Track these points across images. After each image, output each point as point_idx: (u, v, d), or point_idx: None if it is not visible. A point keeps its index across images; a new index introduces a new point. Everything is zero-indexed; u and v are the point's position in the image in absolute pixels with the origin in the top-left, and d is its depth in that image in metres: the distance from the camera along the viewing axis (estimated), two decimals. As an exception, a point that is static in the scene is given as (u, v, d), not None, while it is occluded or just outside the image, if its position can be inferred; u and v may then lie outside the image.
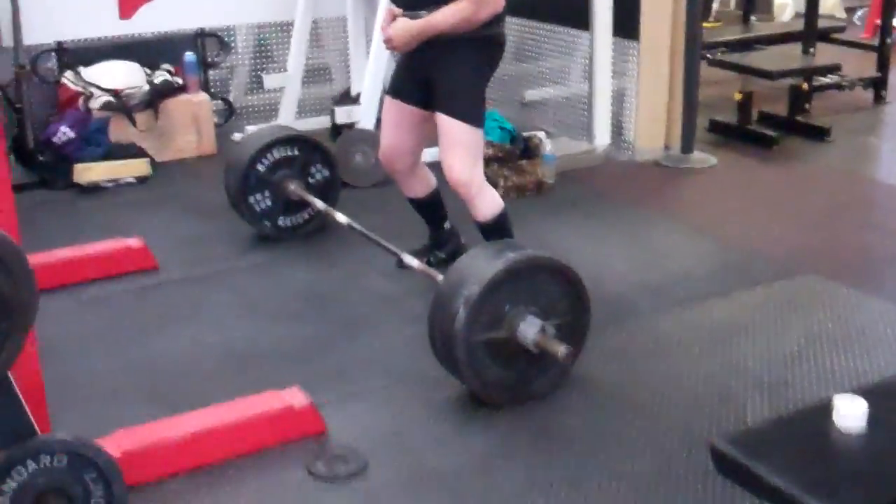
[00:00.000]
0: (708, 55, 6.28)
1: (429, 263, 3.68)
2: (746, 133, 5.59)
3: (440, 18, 3.27)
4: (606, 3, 5.12)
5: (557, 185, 4.86)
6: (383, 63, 4.94)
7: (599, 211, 4.63)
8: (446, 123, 3.37)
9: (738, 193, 4.87)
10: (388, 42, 3.42)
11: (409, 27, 3.33)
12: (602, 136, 5.31)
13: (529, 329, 2.85)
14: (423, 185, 3.78)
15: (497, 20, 3.37)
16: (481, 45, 3.37)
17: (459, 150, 3.38)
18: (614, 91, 5.29)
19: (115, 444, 2.53)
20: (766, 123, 5.74)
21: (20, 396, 1.47)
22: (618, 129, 5.34)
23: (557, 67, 5.69)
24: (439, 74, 3.38)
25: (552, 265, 2.97)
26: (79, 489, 1.56)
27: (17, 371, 2.30)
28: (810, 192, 4.85)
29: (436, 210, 3.88)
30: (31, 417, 1.49)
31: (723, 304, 3.64)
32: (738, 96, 5.59)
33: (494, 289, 2.84)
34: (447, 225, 3.93)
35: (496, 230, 3.50)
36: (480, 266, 2.90)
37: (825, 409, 2.09)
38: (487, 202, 3.49)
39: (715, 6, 8.99)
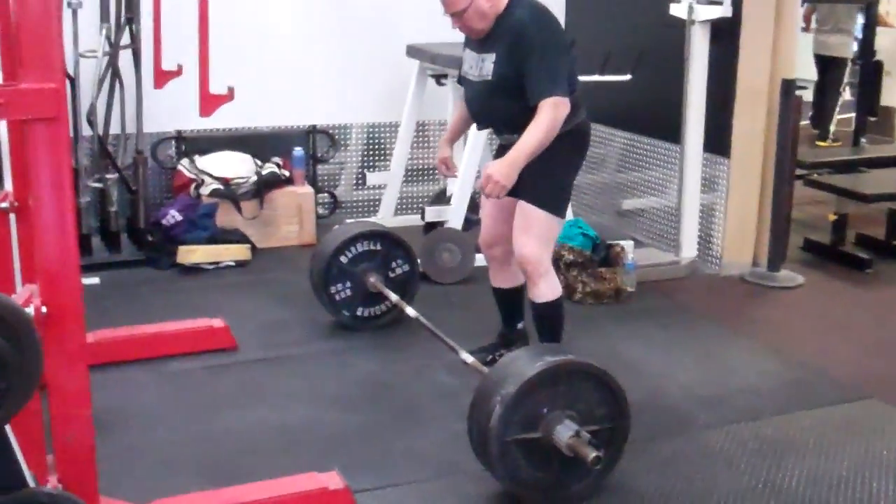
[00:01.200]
0: (816, 174, 6.30)
1: (492, 361, 3.79)
2: (840, 254, 5.56)
3: (529, 140, 3.36)
4: (698, 119, 5.23)
5: (637, 295, 4.93)
6: (474, 167, 5.14)
7: (674, 322, 4.67)
8: (525, 208, 3.54)
9: (821, 314, 4.84)
10: (492, 185, 3.37)
11: (505, 163, 3.38)
12: (688, 249, 5.37)
13: (564, 432, 2.92)
14: (513, 277, 3.90)
15: (575, 113, 3.49)
16: (566, 137, 3.47)
17: (534, 232, 3.55)
18: (705, 205, 5.37)
19: (154, 510, 2.73)
20: (863, 246, 5.70)
21: (15, 450, 1.64)
22: (706, 242, 5.39)
23: (653, 179, 5.79)
24: (528, 166, 3.44)
25: (592, 371, 3.03)
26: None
27: (68, 433, 2.53)
28: (896, 319, 4.80)
29: (515, 306, 3.99)
30: (25, 470, 1.66)
31: (778, 423, 3.62)
32: (831, 217, 5.58)
33: (531, 390, 2.93)
34: (520, 325, 4.04)
35: (548, 316, 3.65)
36: (520, 366, 3.00)
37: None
38: (548, 286, 3.63)
39: (832, 127, 8.98)
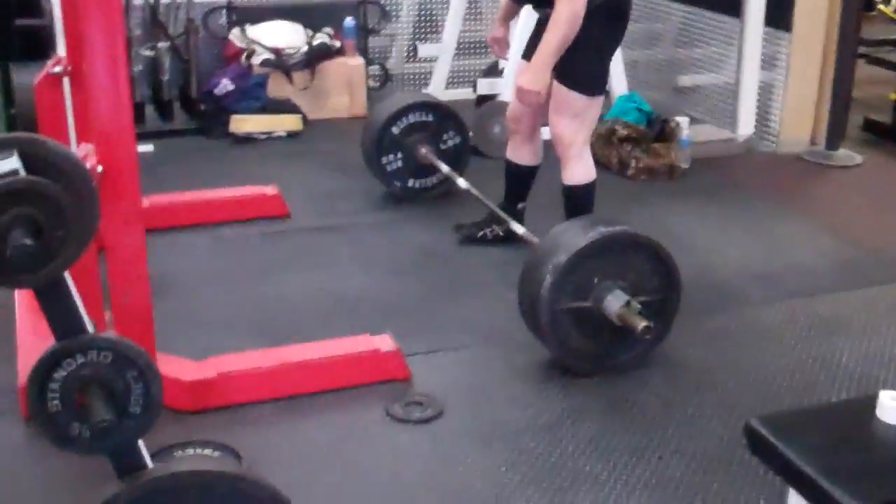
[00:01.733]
0: (879, 53, 6.11)
1: (484, 237, 3.92)
2: (900, 135, 5.43)
3: (549, 40, 3.29)
4: (760, -8, 5.08)
5: (692, 171, 4.87)
6: (526, 39, 5.03)
7: (729, 199, 4.62)
8: (559, 89, 3.46)
9: (877, 194, 4.76)
10: (525, 96, 3.39)
11: (531, 71, 3.36)
12: (746, 126, 5.27)
13: (614, 302, 2.93)
14: (530, 154, 3.84)
15: None
16: (602, 11, 3.35)
17: (567, 113, 3.49)
18: (764, 82, 5.24)
19: (210, 367, 2.79)
20: (925, 126, 5.56)
21: (74, 297, 1.67)
22: (764, 120, 5.28)
23: (711, 55, 5.65)
24: None
25: (644, 242, 3.03)
26: (120, 384, 1.73)
27: (125, 292, 2.59)
28: (955, 200, 4.71)
29: (523, 185, 3.92)
30: (85, 317, 1.69)
31: (831, 300, 3.61)
32: (893, 96, 5.43)
33: (583, 259, 2.93)
34: (520, 206, 3.95)
35: (578, 199, 3.59)
36: (572, 236, 3.00)
37: (870, 400, 2.11)
38: (580, 168, 3.58)
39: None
